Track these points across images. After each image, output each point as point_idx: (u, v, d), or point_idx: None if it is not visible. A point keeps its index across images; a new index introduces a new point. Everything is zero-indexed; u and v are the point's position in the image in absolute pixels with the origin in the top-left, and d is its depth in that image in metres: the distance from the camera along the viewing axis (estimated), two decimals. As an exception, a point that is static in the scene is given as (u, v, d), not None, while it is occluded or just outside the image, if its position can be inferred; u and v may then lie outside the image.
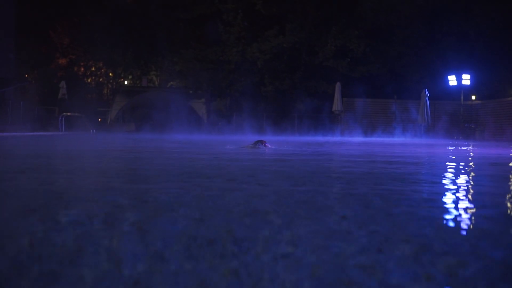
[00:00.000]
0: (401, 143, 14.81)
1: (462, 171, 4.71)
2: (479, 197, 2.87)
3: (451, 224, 1.94)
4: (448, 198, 2.68)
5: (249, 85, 24.96)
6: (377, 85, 24.84)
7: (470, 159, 7.09)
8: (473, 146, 12.69)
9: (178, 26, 26.06)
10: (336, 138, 19.77)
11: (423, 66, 25.31)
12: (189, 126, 21.42)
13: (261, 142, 8.47)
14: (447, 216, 2.09)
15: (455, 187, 3.23)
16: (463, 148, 11.40)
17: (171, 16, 26.36)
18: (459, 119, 23.74)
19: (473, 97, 26.39)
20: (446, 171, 4.57)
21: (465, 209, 2.31)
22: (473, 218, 2.10)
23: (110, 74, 29.92)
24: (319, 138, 18.65)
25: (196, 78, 25.65)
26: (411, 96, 23.43)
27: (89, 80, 29.17)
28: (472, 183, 3.64)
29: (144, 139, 13.50)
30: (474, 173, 4.54)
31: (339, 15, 25.30)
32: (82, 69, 28.87)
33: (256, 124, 23.53)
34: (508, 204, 2.58)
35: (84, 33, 27.22)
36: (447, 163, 5.77)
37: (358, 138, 19.63)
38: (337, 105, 23.51)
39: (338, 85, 23.34)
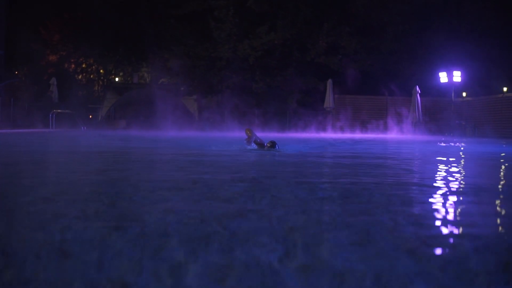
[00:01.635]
0: (399, 140, 14.83)
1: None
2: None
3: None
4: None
5: (240, 82, 24.90)
6: (369, 82, 24.85)
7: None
8: (464, 143, 12.73)
9: (169, 23, 25.92)
10: (334, 135, 19.72)
11: (415, 63, 25.33)
12: (180, 123, 21.33)
13: (273, 144, 7.13)
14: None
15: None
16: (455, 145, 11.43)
17: (162, 13, 26.21)
18: (450, 115, 23.78)
19: (464, 94, 26.46)
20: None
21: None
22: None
23: (101, 71, 29.70)
24: (314, 135, 18.64)
25: (187, 74, 25.53)
26: (403, 92, 23.46)
27: (79, 77, 28.94)
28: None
29: (136, 137, 13.41)
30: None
31: (331, 11, 25.27)
32: (73, 65, 28.64)
33: (248, 120, 23.49)
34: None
35: (75, 30, 27.02)
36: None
37: (351, 135, 19.63)
38: (328, 102, 23.53)
39: (329, 82, 23.35)
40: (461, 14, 25.26)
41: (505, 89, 25.91)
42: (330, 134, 20.28)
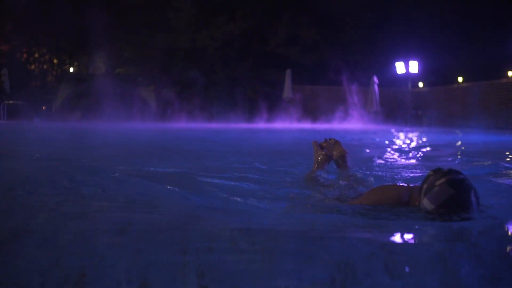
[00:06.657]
0: (357, 130, 14.90)
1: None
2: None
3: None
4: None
5: (199, 73, 24.54)
6: (328, 72, 24.90)
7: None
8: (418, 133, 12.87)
9: (126, 12, 25.28)
10: (295, 125, 19.65)
11: (373, 53, 25.57)
12: (138, 114, 20.90)
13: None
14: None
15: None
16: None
17: (119, 1, 25.53)
18: (407, 106, 24.09)
19: (421, 84, 26.88)
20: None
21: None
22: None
23: (55, 61, 28.72)
24: (275, 125, 18.57)
25: (145, 65, 25.03)
26: (361, 83, 23.60)
27: (32, 67, 27.93)
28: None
29: (90, 130, 13.04)
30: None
31: (290, 2, 25.20)
32: (25, 55, 27.60)
33: (207, 111, 23.19)
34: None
35: (28, 19, 25.98)
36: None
37: (310, 125, 19.66)
38: (287, 92, 23.42)
39: (288, 72, 23.21)
40: (420, 5, 25.59)
41: (460, 79, 26.47)
42: (291, 125, 20.21)
